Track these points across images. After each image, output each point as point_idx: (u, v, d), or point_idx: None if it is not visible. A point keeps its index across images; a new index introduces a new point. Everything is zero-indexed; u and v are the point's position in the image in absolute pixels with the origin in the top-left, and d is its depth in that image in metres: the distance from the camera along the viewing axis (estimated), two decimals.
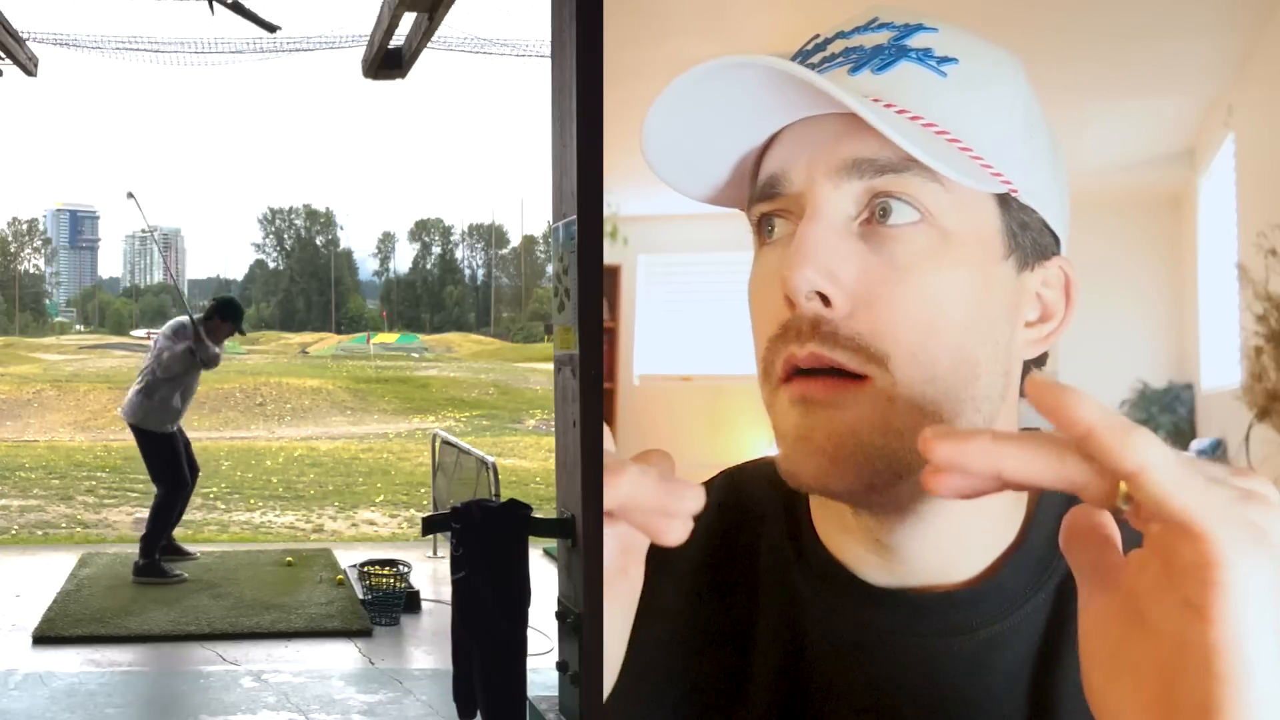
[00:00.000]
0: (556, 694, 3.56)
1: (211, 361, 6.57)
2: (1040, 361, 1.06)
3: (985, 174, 0.96)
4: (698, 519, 1.16)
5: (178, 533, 6.79)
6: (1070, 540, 0.69)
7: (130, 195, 7.85)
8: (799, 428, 0.95)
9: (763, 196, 1.00)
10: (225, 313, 6.69)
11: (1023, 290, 1.00)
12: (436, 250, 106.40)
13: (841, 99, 0.91)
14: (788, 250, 0.96)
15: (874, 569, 1.03)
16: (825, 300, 0.94)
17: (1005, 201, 0.98)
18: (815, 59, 0.99)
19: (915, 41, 0.98)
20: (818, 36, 1.02)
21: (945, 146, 0.95)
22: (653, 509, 0.86)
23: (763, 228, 1.02)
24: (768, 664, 1.07)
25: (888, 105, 0.95)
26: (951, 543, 1.01)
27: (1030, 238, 1.00)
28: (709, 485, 1.20)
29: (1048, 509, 1.04)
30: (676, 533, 0.88)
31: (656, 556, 1.16)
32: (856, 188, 0.96)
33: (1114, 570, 0.66)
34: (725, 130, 1.00)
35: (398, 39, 6.39)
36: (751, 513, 1.14)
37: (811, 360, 0.94)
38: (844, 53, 0.98)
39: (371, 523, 9.12)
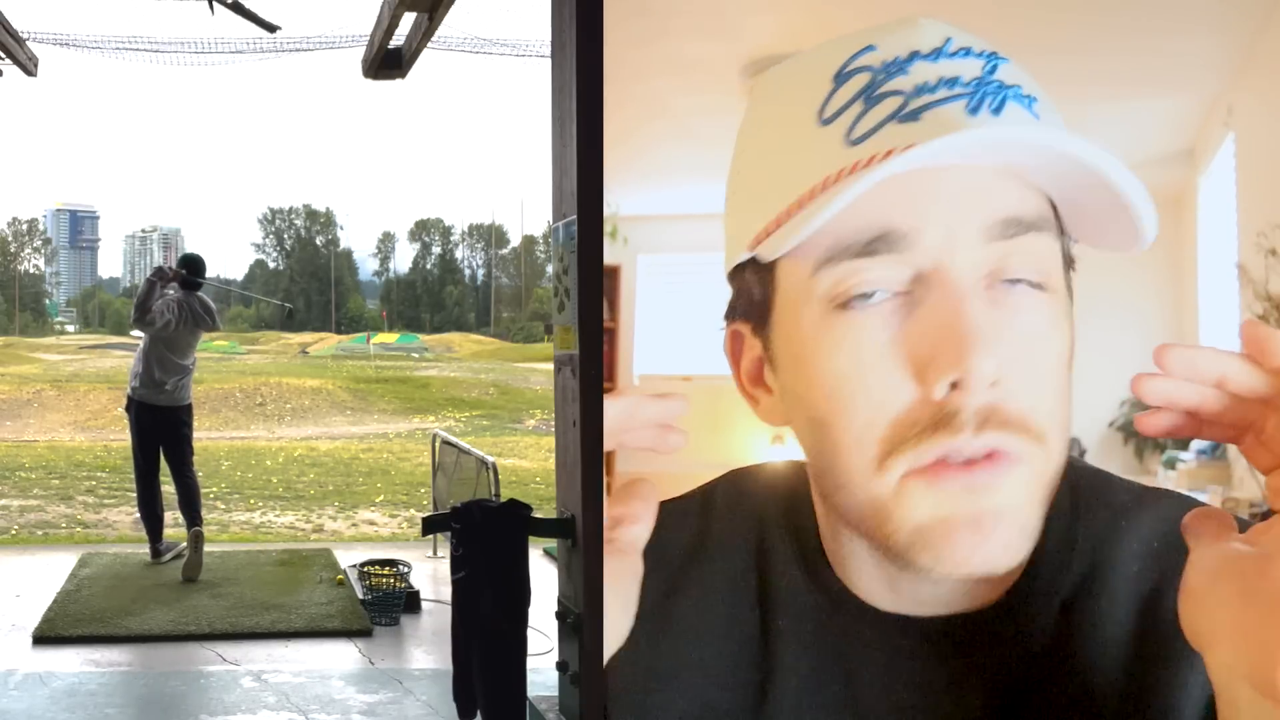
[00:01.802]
0: (556, 694, 3.56)
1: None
2: None
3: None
4: (703, 522, 1.15)
5: (171, 531, 6.80)
6: (1195, 525, 0.75)
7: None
8: (958, 517, 0.89)
9: (866, 254, 0.89)
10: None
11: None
12: (436, 250, 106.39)
13: (1133, 196, 0.88)
14: (905, 321, 0.88)
15: (883, 597, 1.02)
16: (992, 384, 0.87)
17: (1067, 256, 0.98)
18: (902, 84, 0.91)
19: (1003, 75, 0.92)
20: (874, 49, 0.92)
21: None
22: (649, 421, 0.88)
23: (845, 288, 0.90)
24: (778, 675, 1.06)
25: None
26: (987, 579, 1.00)
27: (1071, 284, 0.99)
28: (712, 490, 1.19)
29: (1053, 529, 1.04)
30: (674, 441, 0.89)
31: (665, 561, 1.15)
32: (997, 250, 0.90)
33: (1228, 534, 0.72)
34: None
35: (398, 39, 6.39)
36: (756, 524, 1.13)
37: (983, 449, 0.87)
38: (941, 83, 0.90)
39: (371, 523, 9.12)
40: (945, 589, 0.99)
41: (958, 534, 0.89)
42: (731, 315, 1.04)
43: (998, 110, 0.91)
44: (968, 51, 0.93)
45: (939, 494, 0.89)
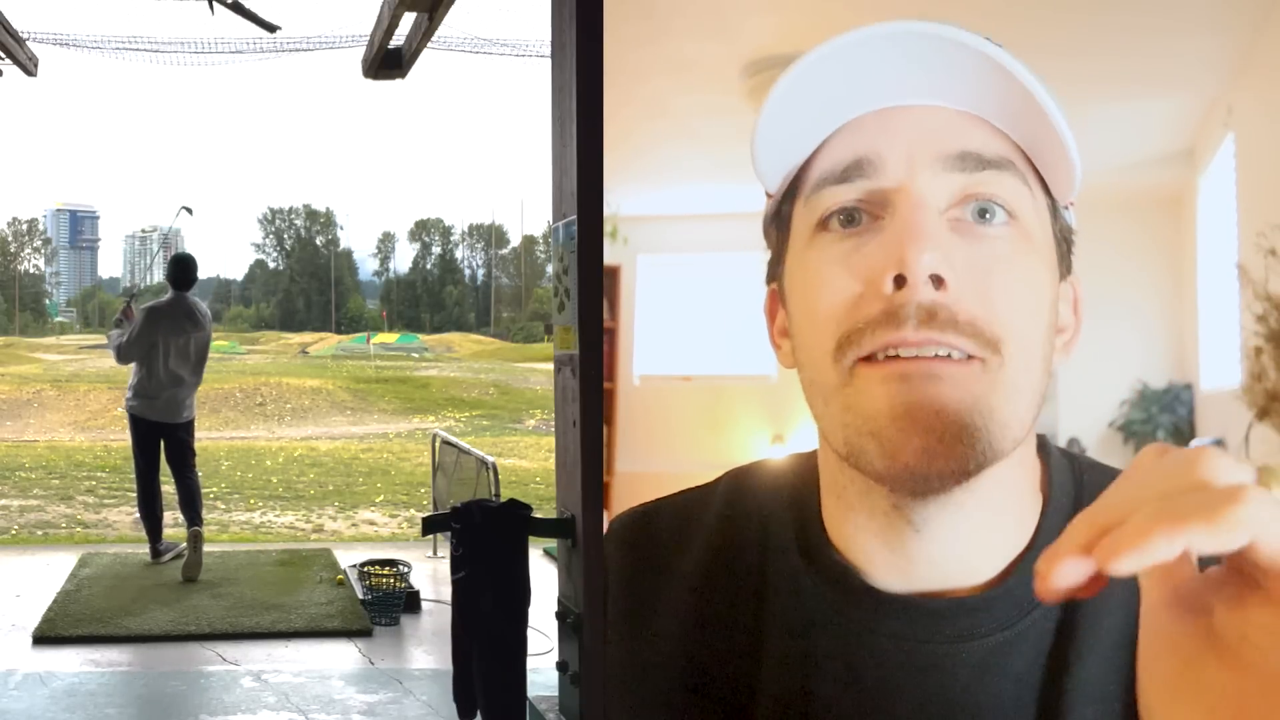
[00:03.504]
0: (556, 694, 3.56)
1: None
2: None
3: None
4: (704, 517, 1.16)
5: (171, 531, 6.81)
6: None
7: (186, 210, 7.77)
8: (899, 405, 0.94)
9: (842, 180, 0.99)
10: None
11: (1058, 300, 1.04)
12: (436, 250, 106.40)
13: (1038, 94, 0.94)
14: (869, 242, 0.97)
15: (888, 572, 1.03)
16: (938, 283, 0.94)
17: (1055, 213, 1.03)
18: None
19: None
20: None
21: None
22: None
23: (832, 216, 1.00)
24: (776, 667, 1.07)
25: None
26: (977, 538, 1.02)
27: (1066, 251, 1.05)
28: (713, 486, 1.20)
29: (1055, 513, 1.04)
30: None
31: (662, 557, 1.16)
32: (955, 181, 0.97)
33: (1187, 584, 0.59)
34: (832, 112, 1.00)
35: (398, 39, 6.39)
36: (757, 515, 1.14)
37: (925, 342, 0.94)
38: None
39: (371, 523, 9.12)
40: (941, 548, 1.01)
41: (899, 423, 0.94)
42: (768, 276, 1.13)
43: None
44: None
45: (885, 383, 0.95)
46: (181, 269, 6.56)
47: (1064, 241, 1.04)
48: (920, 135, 0.98)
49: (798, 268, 1.04)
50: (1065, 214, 1.04)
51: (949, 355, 0.94)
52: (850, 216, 0.99)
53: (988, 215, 0.97)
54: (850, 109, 0.99)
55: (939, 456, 0.94)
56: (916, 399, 0.94)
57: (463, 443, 6.85)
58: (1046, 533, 1.04)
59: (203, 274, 6.73)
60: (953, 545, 1.01)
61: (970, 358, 0.94)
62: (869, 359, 0.95)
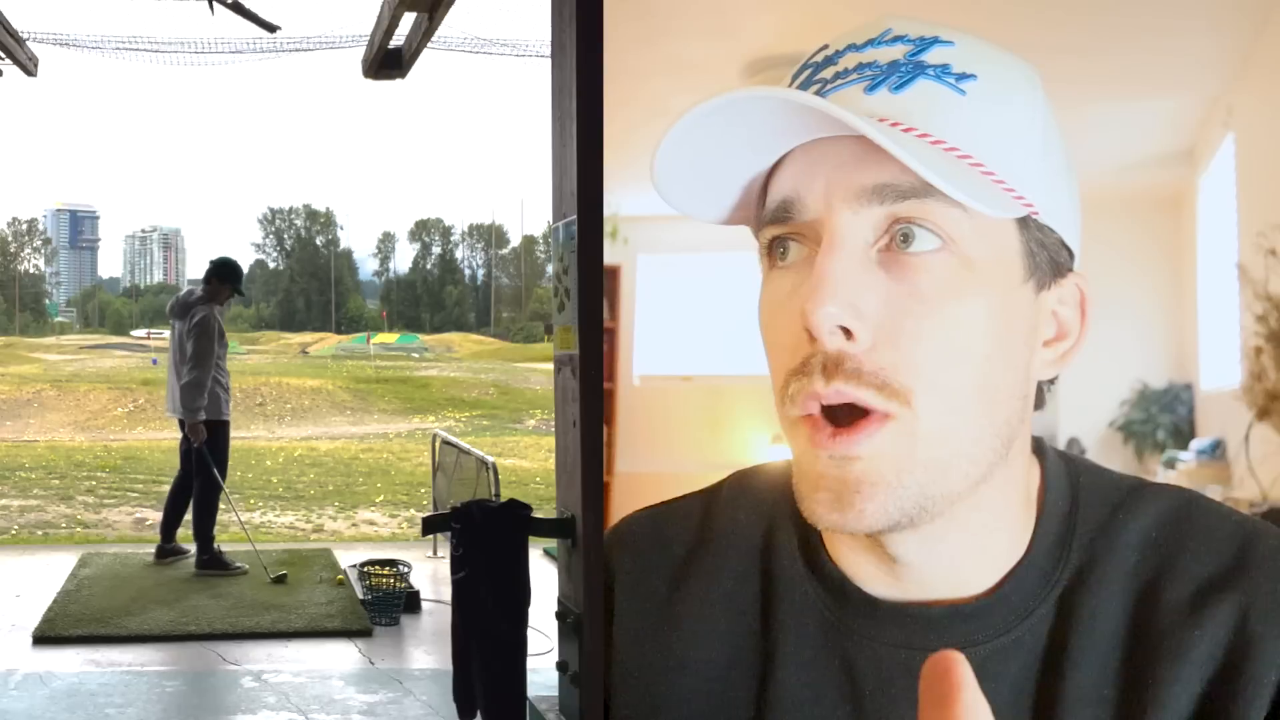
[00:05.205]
0: (556, 694, 3.56)
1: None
2: (1051, 380, 1.05)
3: (1007, 198, 0.95)
4: (707, 519, 1.16)
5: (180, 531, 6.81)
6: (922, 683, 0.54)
7: None
8: (825, 478, 0.94)
9: (775, 220, 0.98)
10: (222, 274, 6.52)
11: (1041, 311, 1.00)
12: (436, 250, 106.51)
13: (858, 126, 0.89)
14: (805, 279, 0.94)
15: (883, 584, 1.03)
16: (847, 333, 0.92)
17: (1024, 222, 0.97)
18: (827, 73, 0.97)
19: (932, 57, 0.95)
20: (826, 47, 0.99)
21: (965, 171, 0.93)
22: None
23: (774, 250, 1.00)
24: (780, 671, 1.07)
25: (906, 129, 0.93)
26: (966, 558, 1.01)
27: (1048, 256, 0.99)
28: (716, 490, 1.20)
29: (1050, 520, 1.04)
30: None
31: (667, 561, 1.16)
32: (877, 214, 0.94)
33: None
34: (737, 155, 0.98)
35: (398, 39, 6.39)
36: (761, 520, 1.14)
37: (835, 397, 0.93)
38: (858, 69, 0.96)
39: (371, 523, 9.12)
40: (929, 572, 1.01)
41: (834, 506, 0.94)
42: None
43: (900, 88, 0.94)
44: (901, 39, 0.97)
45: (809, 444, 0.95)
46: (211, 268, 6.61)
47: (1040, 249, 0.99)
48: (835, 168, 0.95)
49: (759, 300, 1.04)
50: (1041, 223, 0.98)
51: (862, 407, 0.92)
52: (785, 248, 0.98)
53: (911, 240, 0.93)
54: (783, 143, 0.97)
55: (867, 515, 0.93)
56: (839, 473, 0.93)
57: (463, 443, 6.84)
58: (1042, 539, 1.03)
59: (203, 274, 6.75)
60: (939, 569, 1.01)
61: (886, 415, 0.92)
62: (803, 414, 0.95)
